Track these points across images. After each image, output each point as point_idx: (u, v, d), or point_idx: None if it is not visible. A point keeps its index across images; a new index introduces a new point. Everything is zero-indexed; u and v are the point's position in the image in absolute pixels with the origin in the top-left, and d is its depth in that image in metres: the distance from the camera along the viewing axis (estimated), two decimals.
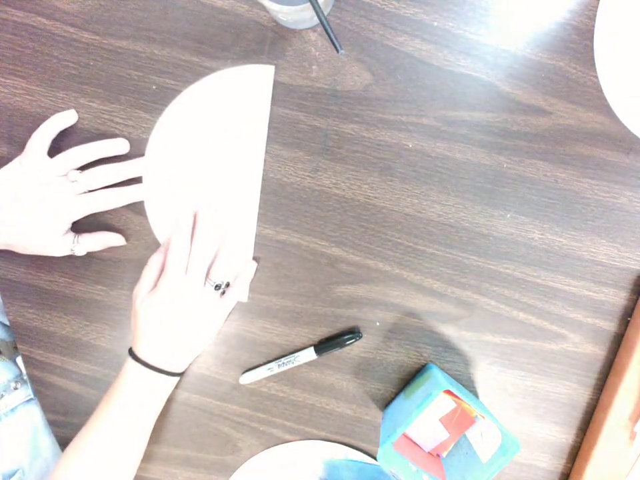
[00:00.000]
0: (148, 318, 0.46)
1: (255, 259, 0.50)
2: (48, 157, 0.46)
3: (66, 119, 0.47)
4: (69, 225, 0.48)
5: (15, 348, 0.53)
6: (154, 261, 0.48)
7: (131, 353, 0.47)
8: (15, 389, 0.52)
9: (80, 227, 0.49)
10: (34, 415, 0.54)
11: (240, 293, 0.49)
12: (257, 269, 0.50)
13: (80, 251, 0.48)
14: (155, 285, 0.47)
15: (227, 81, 0.47)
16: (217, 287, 0.48)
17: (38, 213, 0.45)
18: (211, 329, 0.49)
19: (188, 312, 0.47)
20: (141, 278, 0.47)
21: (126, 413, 0.46)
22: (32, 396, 0.54)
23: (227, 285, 0.49)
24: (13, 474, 0.49)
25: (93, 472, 0.45)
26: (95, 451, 0.45)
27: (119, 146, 0.48)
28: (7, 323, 0.53)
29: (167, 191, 0.49)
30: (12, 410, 0.52)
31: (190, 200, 0.49)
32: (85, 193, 0.47)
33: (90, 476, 0.45)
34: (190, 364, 0.51)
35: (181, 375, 0.49)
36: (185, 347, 0.48)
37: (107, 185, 0.48)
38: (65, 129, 0.48)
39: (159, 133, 0.48)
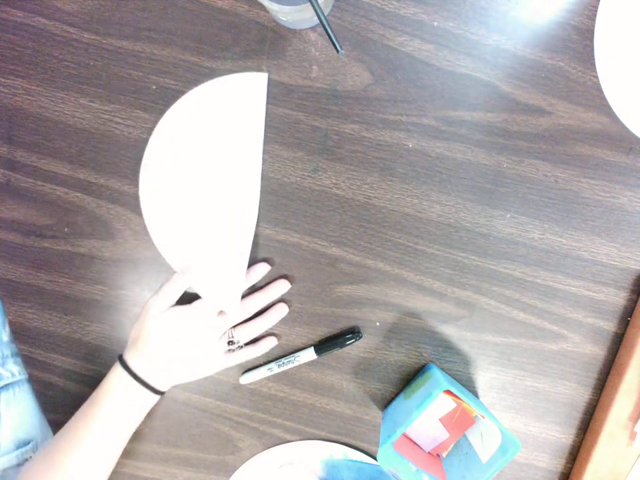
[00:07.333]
0: (154, 333, 0.46)
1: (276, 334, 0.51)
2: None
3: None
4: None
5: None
6: (181, 282, 0.47)
7: (121, 360, 0.46)
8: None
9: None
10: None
11: (247, 358, 0.50)
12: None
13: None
14: (171, 304, 0.47)
15: (221, 89, 0.47)
16: (230, 343, 0.49)
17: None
18: (207, 371, 0.50)
19: (193, 351, 0.48)
20: (161, 292, 0.47)
21: (102, 424, 0.45)
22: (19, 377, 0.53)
23: (241, 347, 0.50)
24: (27, 443, 0.49)
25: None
26: (65, 460, 0.44)
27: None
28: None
29: (165, 196, 0.48)
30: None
31: (187, 205, 0.48)
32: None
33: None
34: (173, 385, 0.50)
35: (161, 394, 0.48)
36: (175, 371, 0.48)
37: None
38: (64, 128, 0.48)
39: (156, 140, 0.48)
